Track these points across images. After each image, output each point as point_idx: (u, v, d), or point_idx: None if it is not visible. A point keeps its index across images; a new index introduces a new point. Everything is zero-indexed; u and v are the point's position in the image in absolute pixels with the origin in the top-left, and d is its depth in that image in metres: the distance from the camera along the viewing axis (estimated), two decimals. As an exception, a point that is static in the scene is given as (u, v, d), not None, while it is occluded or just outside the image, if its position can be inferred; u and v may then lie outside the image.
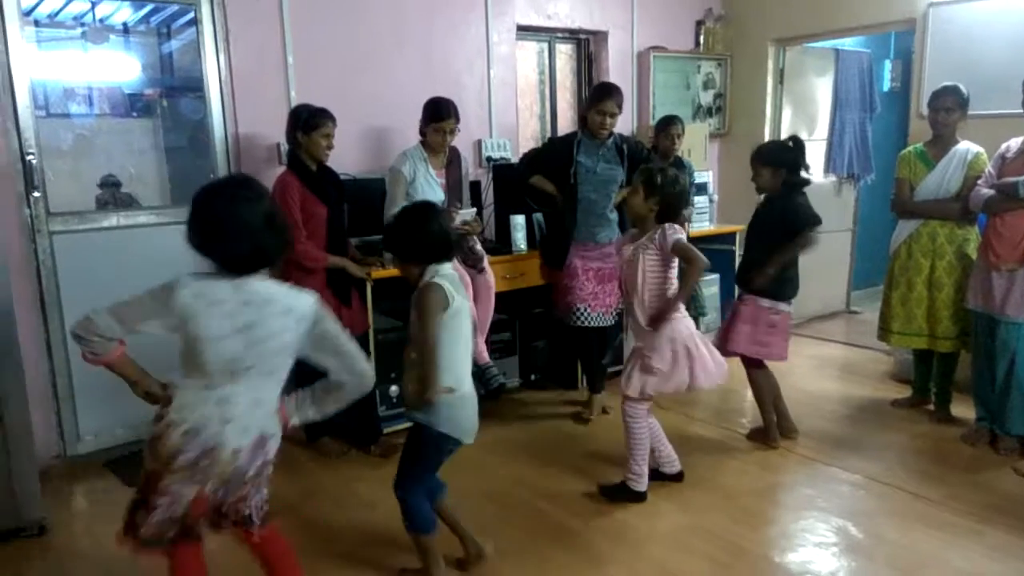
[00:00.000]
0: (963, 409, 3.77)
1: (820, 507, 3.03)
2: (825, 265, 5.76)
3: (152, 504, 1.85)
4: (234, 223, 1.80)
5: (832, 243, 5.89)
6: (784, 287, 3.45)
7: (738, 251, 4.82)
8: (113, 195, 3.91)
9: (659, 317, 2.93)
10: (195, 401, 1.84)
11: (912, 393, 4.08)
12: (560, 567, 2.62)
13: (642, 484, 3.07)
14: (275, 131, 3.79)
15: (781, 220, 3.38)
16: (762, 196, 3.53)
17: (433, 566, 2.49)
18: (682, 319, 2.99)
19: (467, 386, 2.41)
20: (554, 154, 3.92)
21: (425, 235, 2.36)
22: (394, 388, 3.77)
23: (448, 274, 2.38)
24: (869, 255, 6.12)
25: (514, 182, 4.10)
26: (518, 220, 4.11)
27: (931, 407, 3.95)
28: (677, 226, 2.97)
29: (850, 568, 2.59)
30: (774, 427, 3.60)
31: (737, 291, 3.68)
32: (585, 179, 3.80)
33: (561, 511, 3.00)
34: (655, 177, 2.95)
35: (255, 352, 1.84)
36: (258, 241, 1.83)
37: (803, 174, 3.40)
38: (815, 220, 3.34)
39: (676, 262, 2.96)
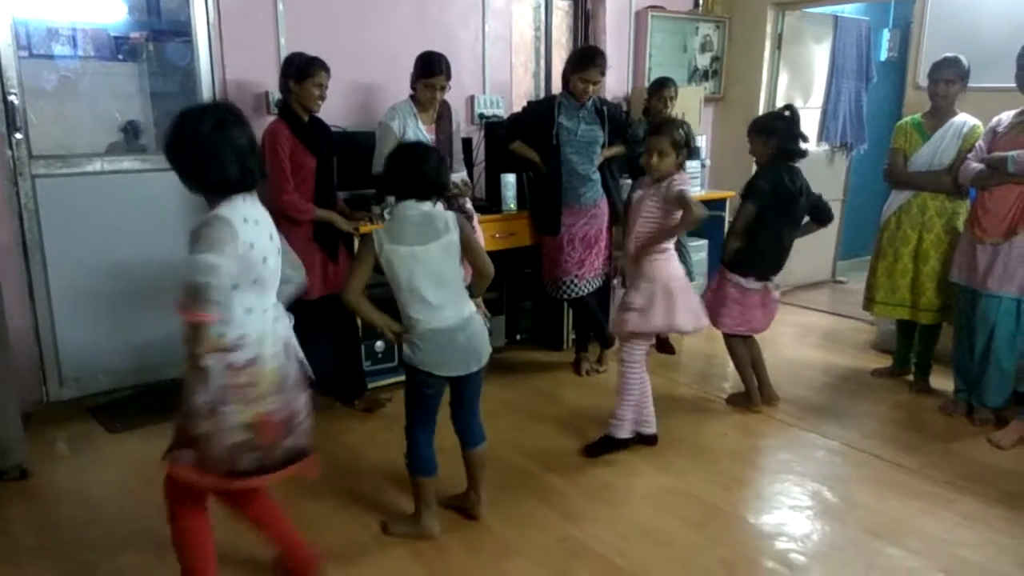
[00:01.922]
0: (942, 381, 3.82)
1: (796, 471, 3.08)
2: (813, 234, 5.76)
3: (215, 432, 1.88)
4: (226, 146, 1.83)
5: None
6: (765, 264, 3.48)
7: (728, 217, 4.82)
8: (127, 141, 3.85)
9: (641, 251, 2.99)
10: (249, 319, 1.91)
11: (892, 363, 4.13)
12: (540, 523, 2.66)
13: (624, 431, 3.13)
14: (264, 79, 3.73)
15: (772, 193, 3.36)
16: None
17: (423, 509, 2.53)
18: (667, 260, 3.05)
19: (437, 321, 2.38)
20: (535, 118, 3.88)
21: (397, 172, 2.41)
22: (379, 343, 3.77)
23: (406, 215, 2.37)
24: (858, 225, 6.14)
25: (503, 142, 4.07)
26: (509, 179, 4.07)
27: (910, 378, 4.01)
28: (686, 177, 3.05)
29: (823, 531, 2.65)
30: (756, 392, 3.64)
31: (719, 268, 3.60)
32: (567, 141, 3.78)
33: (542, 469, 3.03)
34: (676, 133, 2.96)
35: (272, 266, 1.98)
36: (247, 164, 1.87)
37: (800, 145, 3.39)
38: (817, 207, 3.48)
39: (678, 214, 2.98)
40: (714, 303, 3.53)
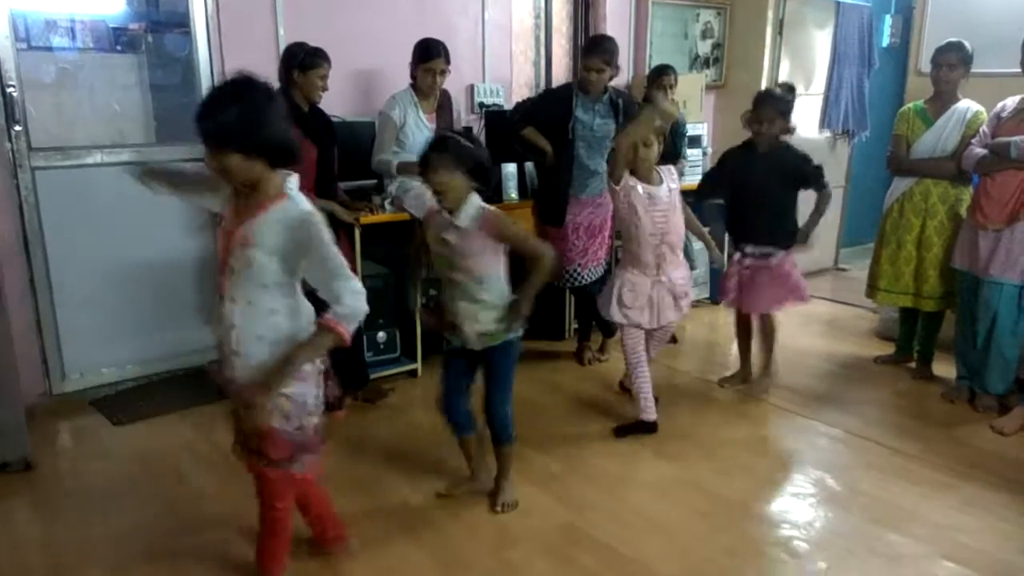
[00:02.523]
0: (945, 368, 3.82)
1: (799, 459, 3.08)
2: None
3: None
4: (285, 115, 1.88)
5: (824, 200, 5.87)
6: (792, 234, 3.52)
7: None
8: None
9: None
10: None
11: (895, 351, 4.13)
12: (541, 511, 2.67)
13: (650, 413, 3.21)
14: (263, 69, 3.64)
15: (794, 172, 3.39)
16: (751, 146, 3.45)
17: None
18: (666, 270, 3.16)
19: None
20: (551, 107, 3.84)
21: None
22: (381, 334, 3.77)
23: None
24: (861, 213, 6.12)
25: (507, 130, 4.04)
26: (509, 169, 4.06)
27: (913, 365, 4.00)
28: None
29: (826, 518, 2.65)
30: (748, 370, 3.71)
31: (748, 249, 3.52)
32: (581, 135, 3.75)
33: (544, 457, 3.04)
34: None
35: None
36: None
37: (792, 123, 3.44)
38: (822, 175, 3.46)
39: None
40: (785, 289, 3.53)
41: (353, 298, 1.84)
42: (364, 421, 3.39)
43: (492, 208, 2.44)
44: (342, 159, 3.59)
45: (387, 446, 3.12)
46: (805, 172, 3.40)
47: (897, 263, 3.81)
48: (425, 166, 2.34)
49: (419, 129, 3.64)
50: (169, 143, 3.82)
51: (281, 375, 1.86)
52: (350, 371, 3.60)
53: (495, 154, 4.17)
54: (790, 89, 3.48)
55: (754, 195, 3.43)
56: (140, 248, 3.61)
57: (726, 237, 3.89)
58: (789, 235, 3.47)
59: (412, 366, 3.87)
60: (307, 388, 1.99)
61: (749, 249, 3.50)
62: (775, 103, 3.36)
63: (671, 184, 3.13)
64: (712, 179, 3.69)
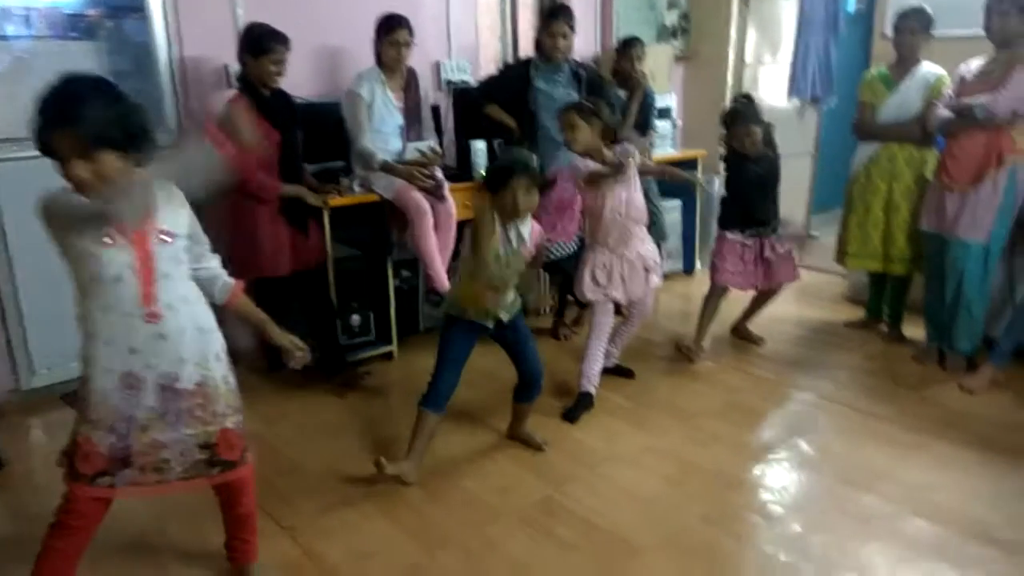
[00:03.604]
0: (914, 330, 3.87)
1: (773, 424, 3.12)
2: (785, 190, 5.74)
3: None
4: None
5: (793, 167, 5.89)
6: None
7: (701, 173, 4.82)
8: None
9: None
10: None
11: (865, 315, 4.18)
12: (521, 487, 2.68)
13: (590, 386, 3.23)
14: (222, 53, 3.63)
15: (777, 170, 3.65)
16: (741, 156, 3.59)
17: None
18: (633, 246, 3.21)
19: None
20: (510, 81, 3.82)
21: None
22: (355, 317, 3.75)
23: None
24: (830, 179, 6.15)
25: (474, 107, 4.01)
26: (479, 146, 4.02)
27: (883, 328, 4.05)
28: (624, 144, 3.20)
29: (800, 482, 2.69)
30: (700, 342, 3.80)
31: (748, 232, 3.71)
32: (544, 106, 3.73)
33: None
34: (599, 109, 3.10)
35: None
36: None
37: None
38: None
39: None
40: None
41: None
42: (341, 405, 3.38)
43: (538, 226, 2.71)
44: (308, 142, 3.54)
45: (364, 429, 3.11)
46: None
47: (865, 228, 3.85)
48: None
49: (387, 109, 3.60)
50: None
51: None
52: (327, 356, 3.58)
53: (464, 131, 4.19)
54: (748, 98, 3.63)
55: (756, 190, 3.61)
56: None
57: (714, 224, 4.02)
58: (777, 210, 3.72)
59: (387, 348, 3.86)
60: (233, 370, 1.98)
61: (749, 232, 3.68)
62: (746, 116, 3.50)
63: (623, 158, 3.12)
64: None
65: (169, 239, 1.79)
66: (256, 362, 3.71)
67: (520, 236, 2.61)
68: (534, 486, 2.69)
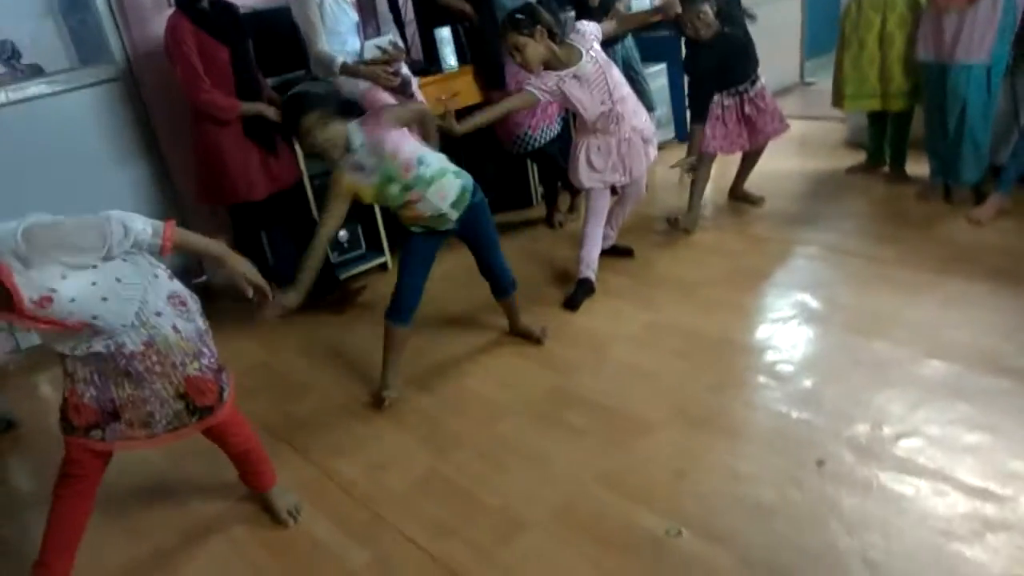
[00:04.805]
0: (918, 168, 3.72)
1: (777, 283, 3.06)
2: (774, 36, 5.47)
3: None
4: None
5: (781, 10, 5.59)
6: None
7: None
8: (16, 67, 3.55)
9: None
10: None
11: (866, 158, 4.02)
12: (528, 381, 2.66)
13: (589, 271, 3.14)
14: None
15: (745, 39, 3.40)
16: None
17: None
18: (626, 122, 3.02)
19: None
20: None
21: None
22: (342, 232, 3.65)
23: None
24: (822, 20, 5.83)
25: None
26: (444, 34, 3.79)
27: (886, 170, 3.91)
28: (579, 25, 3.01)
29: (808, 338, 2.64)
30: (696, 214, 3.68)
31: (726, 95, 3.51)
32: None
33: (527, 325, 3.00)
34: (536, 13, 2.83)
35: None
36: None
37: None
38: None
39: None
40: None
41: None
42: (340, 324, 3.34)
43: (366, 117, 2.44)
44: (262, 53, 3.34)
45: (364, 344, 3.07)
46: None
47: (860, 65, 3.64)
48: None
49: (339, 6, 3.35)
50: (89, 65, 3.56)
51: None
52: (318, 276, 3.51)
53: (426, 20, 3.94)
54: None
55: (720, 74, 3.43)
56: (71, 185, 3.42)
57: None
58: (756, 64, 3.48)
59: (381, 259, 3.78)
60: (190, 314, 1.92)
61: (727, 94, 3.48)
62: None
63: (590, 49, 2.93)
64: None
65: (49, 302, 1.59)
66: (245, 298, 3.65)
67: (376, 151, 2.35)
68: (541, 377, 2.66)
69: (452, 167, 2.54)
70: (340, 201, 2.39)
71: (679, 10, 3.17)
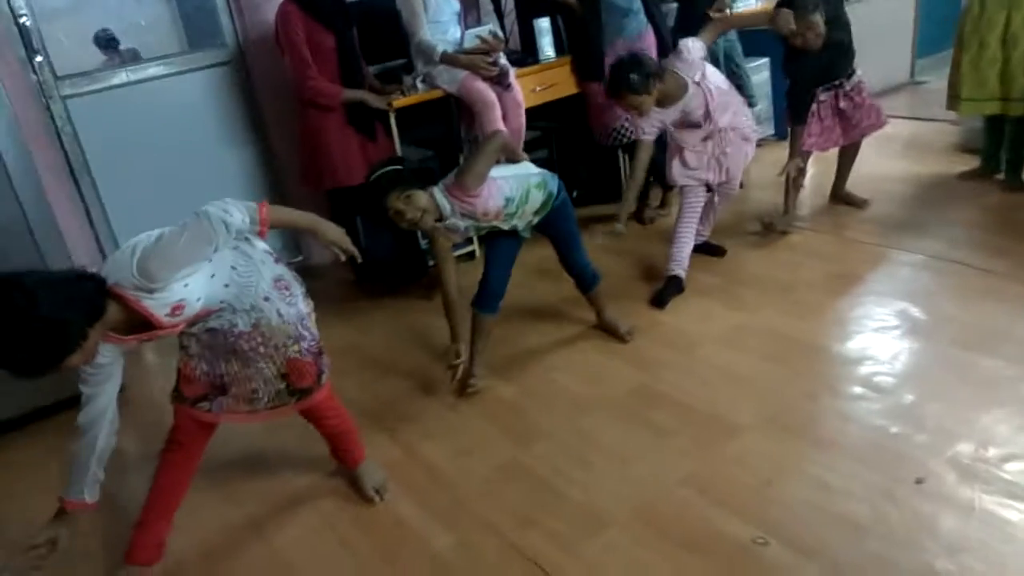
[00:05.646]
0: (1037, 176, 3.51)
1: (878, 291, 2.93)
2: (885, 32, 5.25)
3: None
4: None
5: (892, 5, 5.34)
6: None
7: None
8: (117, 52, 3.74)
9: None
10: None
11: (981, 164, 3.81)
12: (613, 377, 2.64)
13: (679, 268, 3.10)
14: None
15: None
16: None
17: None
18: (725, 123, 3.01)
19: None
20: None
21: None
22: (433, 220, 3.70)
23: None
24: (938, 16, 5.54)
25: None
26: (543, 24, 3.77)
27: (1001, 177, 3.70)
28: (680, 49, 2.96)
29: (911, 350, 2.53)
30: (791, 213, 3.58)
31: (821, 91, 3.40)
32: None
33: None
34: (641, 76, 2.81)
35: None
36: None
37: None
38: None
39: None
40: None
41: None
42: (428, 309, 3.38)
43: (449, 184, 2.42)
44: (366, 42, 3.42)
45: (448, 335, 3.11)
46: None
47: (980, 67, 3.45)
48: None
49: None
50: (203, 48, 3.72)
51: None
52: (407, 262, 3.59)
53: (526, 10, 3.94)
54: None
55: (823, 77, 3.35)
56: (183, 161, 3.60)
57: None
58: (853, 57, 3.35)
59: (470, 248, 3.82)
60: (293, 298, 1.96)
61: (822, 89, 3.36)
62: (802, 6, 3.04)
63: (696, 77, 2.90)
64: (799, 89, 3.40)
65: (181, 309, 1.68)
66: (344, 275, 3.76)
67: (468, 214, 2.41)
68: (627, 374, 2.64)
69: (534, 179, 2.55)
70: (448, 260, 2.56)
71: (793, 27, 3.03)
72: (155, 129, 3.52)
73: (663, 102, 2.90)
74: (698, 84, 2.92)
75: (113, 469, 2.52)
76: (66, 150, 3.33)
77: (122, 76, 3.45)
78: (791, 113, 3.40)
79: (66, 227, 2.97)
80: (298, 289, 2.01)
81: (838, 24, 3.19)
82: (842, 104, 3.39)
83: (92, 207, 3.43)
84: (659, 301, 3.05)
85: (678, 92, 2.90)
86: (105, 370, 1.73)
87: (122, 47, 3.73)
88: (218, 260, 1.76)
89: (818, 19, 3.06)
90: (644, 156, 3.01)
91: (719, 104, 2.97)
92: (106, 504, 2.08)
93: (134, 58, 3.68)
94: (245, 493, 2.35)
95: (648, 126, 2.95)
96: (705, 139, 3.04)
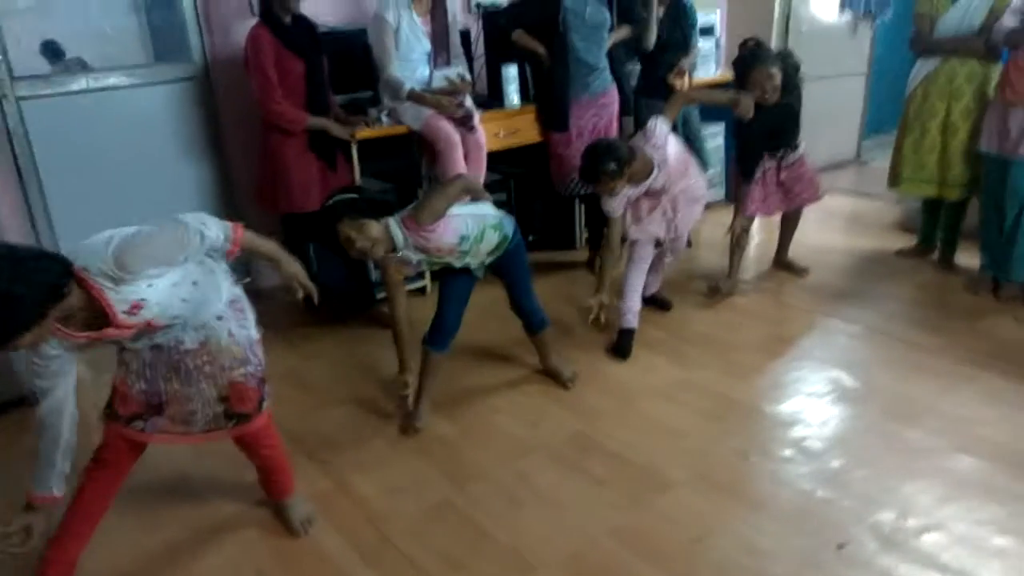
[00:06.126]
0: (968, 258, 3.68)
1: (815, 357, 3.02)
2: (835, 112, 5.52)
3: None
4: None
5: (843, 88, 5.62)
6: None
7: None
8: (62, 63, 3.67)
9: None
10: None
11: (917, 242, 3.99)
12: (553, 422, 2.66)
13: (630, 322, 3.15)
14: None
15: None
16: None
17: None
18: (676, 186, 3.11)
19: None
20: (538, 3, 3.62)
21: None
22: (387, 252, 3.70)
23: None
24: (884, 101, 5.84)
25: (504, 31, 3.84)
26: (511, 72, 3.86)
27: (936, 256, 3.87)
28: (649, 131, 3.04)
29: (841, 417, 2.60)
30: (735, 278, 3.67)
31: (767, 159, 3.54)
32: (574, 26, 3.54)
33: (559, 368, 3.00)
34: (615, 163, 2.87)
35: None
36: None
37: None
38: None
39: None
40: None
41: None
42: (376, 341, 3.37)
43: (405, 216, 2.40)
44: (335, 71, 3.44)
45: (396, 365, 3.10)
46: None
47: (921, 151, 3.63)
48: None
49: (414, 35, 3.45)
50: (169, 62, 3.69)
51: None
52: (355, 293, 3.57)
53: (495, 57, 4.03)
54: (758, 44, 3.34)
55: (771, 139, 3.45)
56: (136, 175, 3.54)
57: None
58: (799, 130, 3.49)
59: (421, 283, 3.82)
60: (246, 321, 1.97)
61: (768, 156, 3.50)
62: (761, 58, 3.23)
63: (661, 161, 3.01)
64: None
65: (139, 309, 1.65)
66: (292, 299, 3.71)
67: (422, 247, 2.41)
68: (566, 420, 2.66)
69: (491, 220, 2.55)
70: (398, 290, 2.57)
71: (751, 115, 3.19)
72: (111, 139, 3.47)
73: (631, 180, 2.97)
74: (660, 167, 3.01)
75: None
76: (15, 152, 3.24)
77: (82, 83, 3.39)
78: (741, 169, 3.52)
79: (7, 229, 2.89)
80: (251, 314, 2.00)
81: (790, 89, 3.32)
82: (782, 176, 3.53)
83: (36, 212, 3.34)
84: (621, 351, 3.09)
85: (646, 171, 2.98)
86: (55, 362, 1.68)
87: (68, 57, 3.67)
88: (183, 271, 1.74)
89: (776, 72, 3.20)
90: (615, 234, 3.07)
91: (675, 173, 3.07)
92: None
93: (82, 68, 3.63)
94: (165, 517, 2.27)
95: (617, 203, 3.00)
96: (658, 202, 3.13)
